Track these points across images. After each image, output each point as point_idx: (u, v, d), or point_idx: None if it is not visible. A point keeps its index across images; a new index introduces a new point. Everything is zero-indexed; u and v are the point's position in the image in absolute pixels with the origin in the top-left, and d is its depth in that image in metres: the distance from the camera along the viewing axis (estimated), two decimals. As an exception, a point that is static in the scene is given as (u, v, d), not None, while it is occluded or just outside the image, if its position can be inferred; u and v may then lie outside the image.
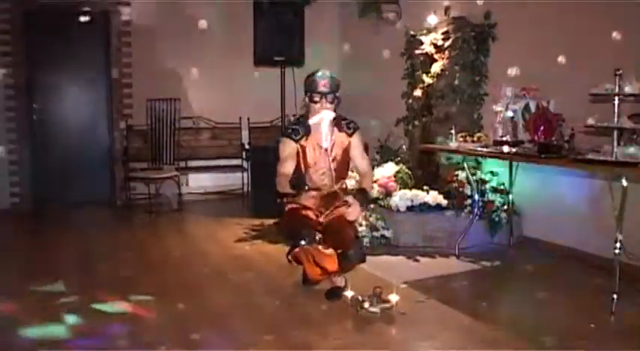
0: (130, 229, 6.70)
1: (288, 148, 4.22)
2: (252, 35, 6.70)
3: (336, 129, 4.27)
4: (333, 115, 4.18)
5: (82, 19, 7.47)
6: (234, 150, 8.08)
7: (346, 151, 4.30)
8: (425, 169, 6.48)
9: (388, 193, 5.85)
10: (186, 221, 6.99)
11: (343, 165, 4.34)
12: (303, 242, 4.01)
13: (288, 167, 4.16)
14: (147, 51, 7.62)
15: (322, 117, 4.14)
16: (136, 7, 7.73)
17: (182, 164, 7.73)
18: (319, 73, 4.23)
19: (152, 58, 7.56)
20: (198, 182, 7.88)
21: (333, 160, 4.25)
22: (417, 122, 6.70)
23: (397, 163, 6.36)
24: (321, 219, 4.22)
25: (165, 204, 7.36)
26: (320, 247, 4.16)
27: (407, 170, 6.26)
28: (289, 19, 6.72)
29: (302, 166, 4.20)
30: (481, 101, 6.14)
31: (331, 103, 4.20)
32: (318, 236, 4.20)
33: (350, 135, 4.32)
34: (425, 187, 5.93)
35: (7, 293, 4.32)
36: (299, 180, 4.07)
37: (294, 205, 4.26)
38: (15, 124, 7.38)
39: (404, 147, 6.89)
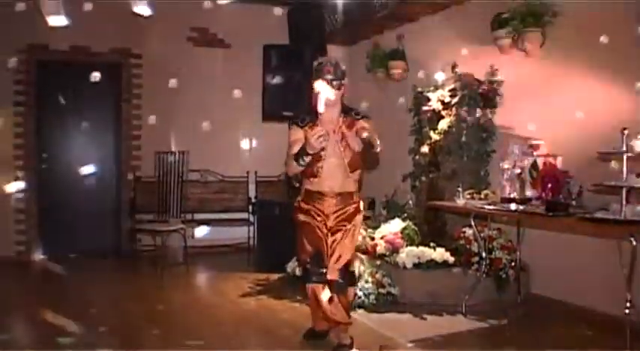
0: (136, 280, 6.66)
1: (294, 133, 4.23)
2: (261, 90, 6.80)
3: (342, 118, 4.25)
4: (332, 92, 4.12)
5: (94, 76, 7.58)
6: (241, 203, 8.10)
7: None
8: (432, 225, 6.46)
9: (395, 250, 5.81)
10: (192, 274, 6.96)
11: (355, 155, 4.16)
12: (314, 278, 4.07)
13: (295, 150, 4.10)
14: (156, 103, 7.71)
15: (319, 91, 4.11)
16: (147, 60, 7.89)
17: (189, 216, 7.74)
18: (324, 61, 4.32)
19: (161, 111, 7.63)
20: (205, 235, 7.85)
21: (344, 150, 4.13)
22: (423, 178, 6.71)
23: (404, 220, 6.35)
24: (329, 223, 4.16)
25: (171, 256, 7.32)
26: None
27: (414, 227, 6.24)
28: (298, 76, 6.83)
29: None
30: (488, 158, 6.15)
31: (338, 89, 4.18)
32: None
33: (358, 121, 4.21)
34: (432, 244, 5.89)
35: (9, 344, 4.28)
36: (297, 177, 4.22)
37: (306, 219, 4.22)
38: (23, 172, 7.42)
39: (410, 202, 6.89)
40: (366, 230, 6.25)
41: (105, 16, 7.44)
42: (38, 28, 7.18)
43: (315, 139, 3.87)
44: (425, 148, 6.67)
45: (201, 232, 7.71)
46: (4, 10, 7.10)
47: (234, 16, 8.01)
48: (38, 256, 7.43)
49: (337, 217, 4.18)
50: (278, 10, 7.93)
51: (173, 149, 7.40)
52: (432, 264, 5.64)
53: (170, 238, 7.31)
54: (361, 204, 4.35)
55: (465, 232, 5.75)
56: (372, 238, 6.16)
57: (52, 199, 7.62)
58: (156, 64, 7.85)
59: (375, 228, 6.42)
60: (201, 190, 8.01)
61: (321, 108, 4.09)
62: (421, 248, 5.75)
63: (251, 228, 7.81)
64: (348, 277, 4.21)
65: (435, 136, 6.53)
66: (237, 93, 7.29)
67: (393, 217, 6.53)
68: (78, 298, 5.78)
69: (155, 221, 7.23)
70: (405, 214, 6.52)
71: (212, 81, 7.99)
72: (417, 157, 6.82)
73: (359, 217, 4.30)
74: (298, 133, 4.20)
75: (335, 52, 8.25)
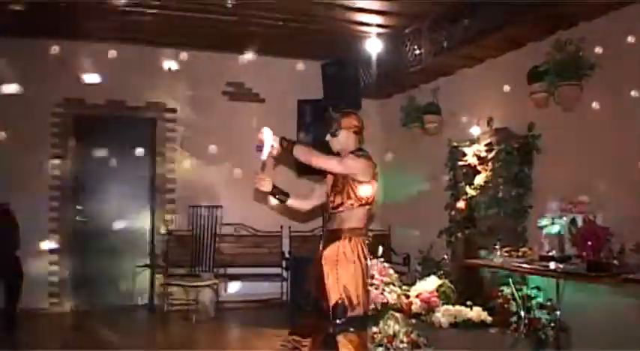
0: (167, 336, 6.60)
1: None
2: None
3: None
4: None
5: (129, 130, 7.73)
6: (275, 258, 7.99)
7: (345, 177, 3.89)
8: (468, 283, 6.27)
9: (431, 309, 5.64)
10: (224, 330, 6.83)
11: (339, 192, 3.91)
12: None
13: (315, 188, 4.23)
14: (191, 157, 7.75)
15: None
16: (182, 114, 7.98)
17: (221, 271, 7.67)
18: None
19: (195, 164, 7.68)
20: (237, 290, 7.77)
21: (331, 189, 3.99)
22: (459, 234, 6.57)
23: (440, 277, 6.19)
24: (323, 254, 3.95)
25: (203, 311, 7.22)
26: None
27: (450, 284, 6.07)
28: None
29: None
30: (525, 214, 5.98)
31: (334, 136, 4.04)
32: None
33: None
34: (468, 303, 5.72)
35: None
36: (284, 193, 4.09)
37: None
38: (57, 224, 7.51)
39: (446, 259, 6.73)
40: (400, 287, 6.09)
41: (140, 71, 7.62)
42: (74, 82, 7.41)
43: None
44: (461, 204, 6.55)
45: (233, 287, 7.63)
46: (41, 64, 7.32)
47: (270, 70, 8.18)
48: (70, 308, 7.44)
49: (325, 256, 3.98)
50: (313, 65, 8.03)
51: (206, 203, 7.40)
52: (469, 323, 5.45)
53: (202, 293, 7.23)
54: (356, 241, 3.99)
55: (502, 291, 5.56)
56: (407, 296, 6.00)
57: (86, 251, 7.66)
58: (191, 118, 7.95)
59: (410, 285, 6.27)
60: (235, 245, 7.95)
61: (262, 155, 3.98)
62: (457, 307, 5.58)
63: (284, 283, 7.69)
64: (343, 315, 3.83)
65: (470, 192, 6.41)
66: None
67: (428, 274, 6.39)
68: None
69: (187, 275, 7.19)
70: (442, 271, 6.35)
71: (246, 135, 7.97)
72: (453, 212, 6.69)
73: (342, 254, 3.90)
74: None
75: (370, 105, 8.27)
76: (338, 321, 3.75)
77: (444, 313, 5.51)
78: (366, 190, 3.86)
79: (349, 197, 3.85)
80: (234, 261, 7.89)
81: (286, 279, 7.65)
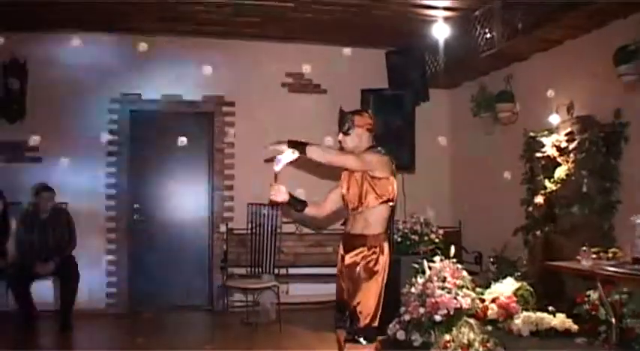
0: (226, 339, 6.23)
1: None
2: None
3: None
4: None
5: (186, 125, 7.48)
6: (338, 257, 7.57)
7: (362, 175, 3.78)
8: (548, 286, 5.74)
9: (509, 315, 5.16)
10: (285, 334, 6.46)
11: (358, 190, 3.80)
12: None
13: (327, 196, 4.09)
14: (249, 152, 7.43)
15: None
16: (240, 107, 7.68)
17: (283, 271, 7.31)
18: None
19: (254, 160, 7.31)
20: (300, 291, 7.42)
21: (348, 186, 3.87)
22: (538, 232, 6.04)
23: (517, 279, 5.69)
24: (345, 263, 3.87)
25: (263, 313, 6.90)
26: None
27: (528, 287, 5.58)
28: (398, 121, 6.38)
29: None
30: (613, 210, 5.42)
31: (346, 135, 3.95)
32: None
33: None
34: (550, 308, 5.21)
35: None
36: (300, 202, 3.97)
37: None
38: (115, 223, 7.34)
39: (522, 259, 6.22)
40: (473, 290, 5.63)
41: (195, 64, 7.39)
42: (131, 77, 7.20)
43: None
44: (539, 199, 6.02)
45: (295, 288, 7.29)
46: (97, 59, 7.15)
47: (330, 60, 7.78)
48: (128, 308, 7.27)
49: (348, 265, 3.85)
50: (376, 53, 7.61)
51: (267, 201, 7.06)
52: (551, 332, 4.95)
53: (263, 295, 6.91)
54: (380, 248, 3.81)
55: (589, 296, 5.02)
56: (482, 300, 5.54)
57: (144, 250, 7.47)
58: (250, 112, 7.64)
59: (484, 287, 5.80)
60: (296, 244, 7.60)
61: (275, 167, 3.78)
62: (539, 314, 5.08)
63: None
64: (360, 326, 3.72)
65: (550, 186, 5.88)
66: (333, 140, 6.92)
67: (503, 276, 5.91)
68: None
69: (247, 276, 6.89)
70: (519, 273, 5.85)
71: (307, 128, 7.63)
72: (531, 208, 6.17)
73: (367, 267, 3.75)
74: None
75: (437, 95, 7.81)
76: (355, 329, 3.69)
77: (524, 320, 5.02)
78: (386, 186, 3.77)
79: (368, 195, 3.75)
80: (296, 261, 7.56)
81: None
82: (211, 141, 7.68)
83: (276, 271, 6.88)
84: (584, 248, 4.75)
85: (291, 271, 7.48)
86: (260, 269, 6.85)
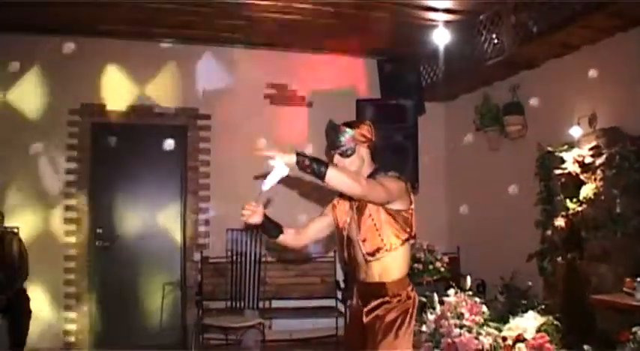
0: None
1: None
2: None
3: None
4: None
5: (157, 140, 6.68)
6: (328, 288, 6.78)
7: (376, 209, 3.08)
8: (574, 320, 5.04)
9: (542, 357, 4.44)
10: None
11: (375, 229, 3.08)
12: None
13: (309, 223, 3.42)
14: (227, 171, 6.67)
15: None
16: (217, 121, 6.90)
17: (265, 304, 6.50)
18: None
19: (233, 180, 6.54)
20: (284, 326, 6.60)
21: (359, 225, 3.13)
22: (559, 259, 5.36)
23: (540, 313, 4.99)
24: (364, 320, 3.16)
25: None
26: None
27: (555, 321, 4.87)
28: (399, 135, 5.69)
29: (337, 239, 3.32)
30: (647, 234, 4.80)
31: (347, 157, 3.21)
32: None
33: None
34: (586, 348, 4.50)
35: None
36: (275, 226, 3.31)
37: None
38: (75, 250, 6.46)
39: (535, 288, 5.53)
40: (488, 325, 4.90)
41: (168, 72, 6.61)
42: (94, 86, 6.39)
43: (355, 251, 3.20)
44: (560, 221, 5.36)
45: (280, 323, 6.47)
46: (56, 66, 6.34)
47: (317, 69, 7.05)
48: (90, 349, 6.35)
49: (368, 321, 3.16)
50: (368, 62, 6.94)
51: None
52: (592, 377, 4.25)
53: (246, 335, 6.09)
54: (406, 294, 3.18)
55: (635, 333, 4.33)
56: (504, 339, 4.80)
57: (107, 281, 6.60)
58: (227, 126, 6.86)
59: (499, 321, 5.07)
60: (280, 274, 6.74)
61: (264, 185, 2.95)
62: (577, 355, 4.37)
63: (340, 318, 6.51)
64: None
65: (573, 206, 5.22)
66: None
67: (516, 308, 5.21)
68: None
69: (227, 311, 6.07)
70: (542, 306, 5.14)
71: (292, 144, 6.90)
72: (549, 231, 5.49)
73: (393, 322, 3.09)
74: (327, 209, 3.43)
75: (433, 108, 7.13)
76: None
77: (560, 364, 4.30)
78: (408, 221, 3.12)
79: (388, 234, 3.07)
80: (280, 292, 6.69)
81: (342, 313, 6.45)
82: (184, 158, 6.86)
83: (260, 304, 6.05)
84: (629, 279, 4.10)
85: (275, 304, 6.65)
86: (242, 303, 6.03)
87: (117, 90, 6.58)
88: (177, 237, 6.87)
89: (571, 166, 5.32)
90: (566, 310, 5.11)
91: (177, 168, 6.91)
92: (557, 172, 5.45)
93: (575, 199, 5.23)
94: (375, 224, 3.06)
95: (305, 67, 7.06)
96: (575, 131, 5.36)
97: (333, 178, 2.81)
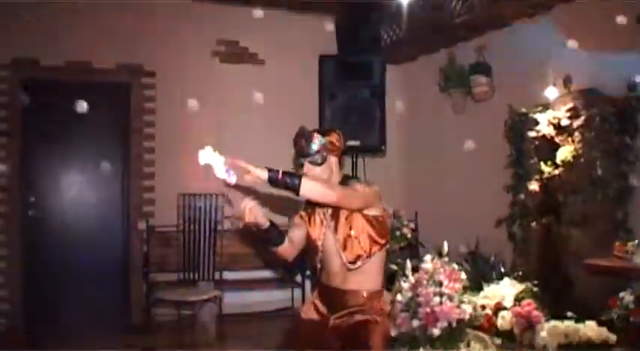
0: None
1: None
2: (314, 114, 5.33)
3: None
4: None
5: (97, 99, 6.09)
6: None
7: (351, 215, 3.05)
8: (549, 285, 4.86)
9: (531, 325, 4.21)
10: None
11: (355, 237, 3.04)
12: None
13: (293, 234, 3.20)
14: (174, 133, 6.18)
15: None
16: (162, 79, 6.37)
17: (216, 276, 6.06)
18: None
19: (184, 143, 6.06)
20: (238, 299, 6.21)
21: (335, 233, 3.08)
22: (534, 224, 5.18)
23: (518, 280, 4.80)
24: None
25: (201, 331, 5.62)
26: None
27: (533, 287, 4.68)
28: (364, 93, 5.34)
29: (310, 248, 3.19)
30: (629, 197, 4.65)
31: (319, 165, 3.12)
32: None
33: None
34: (569, 314, 4.32)
35: None
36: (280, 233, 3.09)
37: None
38: (4, 221, 5.88)
39: (505, 257, 5.38)
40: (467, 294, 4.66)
41: (111, 26, 5.97)
42: (27, 39, 5.75)
43: (330, 261, 3.14)
44: (534, 185, 5.17)
45: (234, 296, 6.06)
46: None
47: (269, 26, 6.60)
48: (23, 329, 5.78)
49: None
50: (324, 19, 6.58)
51: (198, 191, 5.80)
52: (583, 346, 4.05)
53: (202, 309, 5.65)
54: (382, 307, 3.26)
55: (623, 299, 4.17)
56: (483, 307, 4.58)
57: (42, 254, 6.01)
58: (173, 85, 6.35)
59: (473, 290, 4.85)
60: (233, 243, 6.25)
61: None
62: (567, 323, 4.17)
63: (298, 290, 6.17)
64: None
65: (548, 170, 5.04)
66: (283, 121, 5.79)
67: (482, 275, 5.04)
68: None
69: (178, 284, 5.62)
70: (519, 273, 4.95)
71: (243, 105, 6.46)
72: (522, 196, 5.31)
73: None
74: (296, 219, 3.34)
75: (395, 70, 6.81)
76: None
77: (550, 332, 4.08)
78: (384, 226, 3.13)
79: (369, 240, 3.04)
80: (232, 264, 6.18)
81: (300, 284, 6.12)
82: (126, 119, 6.33)
83: (215, 276, 5.62)
84: (634, 243, 4.02)
85: (227, 275, 6.19)
86: (195, 275, 5.59)
87: (52, 43, 5.94)
88: (119, 205, 6.35)
89: (545, 129, 5.13)
90: (541, 277, 4.93)
91: (119, 130, 6.37)
92: (531, 134, 5.25)
93: (549, 163, 5.05)
94: (352, 231, 3.01)
95: (257, 23, 6.56)
96: (551, 92, 5.15)
97: (308, 189, 2.76)
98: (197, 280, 5.62)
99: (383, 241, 3.07)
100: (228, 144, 6.20)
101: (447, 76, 6.16)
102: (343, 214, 3.01)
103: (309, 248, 3.17)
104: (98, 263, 6.18)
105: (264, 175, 2.64)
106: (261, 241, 3.19)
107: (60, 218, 6.17)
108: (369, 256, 3.01)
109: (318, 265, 3.18)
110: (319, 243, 3.12)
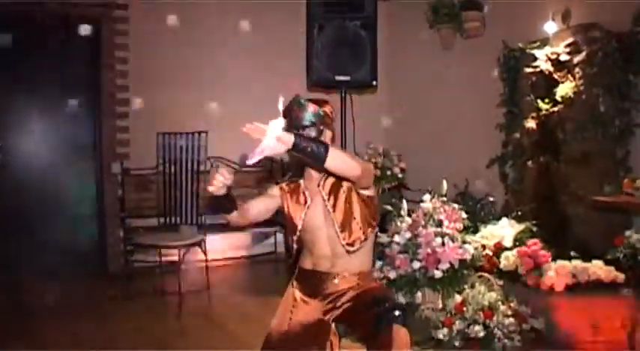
0: (136, 320, 4.63)
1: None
2: (302, 49, 5.02)
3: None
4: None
5: (63, 34, 5.67)
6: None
7: (350, 194, 2.74)
8: (547, 225, 4.75)
9: (537, 266, 4.10)
10: (219, 307, 5.02)
11: (353, 217, 2.74)
12: None
13: (252, 203, 2.80)
14: (150, 70, 5.82)
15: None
16: (137, 12, 5.95)
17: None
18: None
19: (159, 80, 5.71)
20: (218, 244, 5.97)
21: (333, 211, 2.74)
22: (530, 163, 5.04)
23: (517, 220, 4.68)
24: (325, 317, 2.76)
25: (185, 278, 5.38)
26: None
27: (533, 227, 4.56)
28: (354, 26, 5.04)
29: (287, 226, 2.85)
30: (631, 135, 4.55)
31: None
32: None
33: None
34: (572, 253, 4.22)
35: None
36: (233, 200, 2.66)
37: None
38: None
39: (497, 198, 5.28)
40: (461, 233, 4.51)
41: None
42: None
43: (317, 240, 2.80)
44: (531, 123, 5.01)
45: (216, 242, 5.82)
46: None
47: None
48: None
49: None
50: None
51: (178, 130, 5.47)
52: (591, 285, 3.96)
53: (186, 255, 5.39)
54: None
55: (629, 238, 4.07)
56: (483, 247, 4.46)
57: (9, 200, 5.66)
58: (148, 18, 5.95)
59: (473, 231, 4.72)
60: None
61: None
62: (575, 262, 4.06)
63: (279, 235, 5.97)
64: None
65: (546, 107, 4.88)
66: (269, 55, 5.47)
67: (498, 218, 4.89)
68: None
69: (158, 229, 5.35)
70: (518, 213, 4.82)
71: (232, 40, 6.10)
72: (518, 135, 5.15)
73: None
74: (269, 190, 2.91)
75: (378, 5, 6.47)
76: None
77: (559, 271, 3.98)
78: (376, 205, 2.85)
79: (364, 222, 2.75)
80: (211, 206, 6.01)
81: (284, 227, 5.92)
82: (97, 55, 5.92)
83: (198, 220, 5.36)
84: (627, 180, 4.01)
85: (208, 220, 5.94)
86: (177, 219, 5.32)
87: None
88: (91, 147, 6.01)
89: (544, 65, 4.95)
90: (537, 217, 4.82)
91: (90, 67, 5.99)
92: (528, 70, 5.07)
93: (547, 100, 4.89)
94: (352, 211, 2.73)
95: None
96: (550, 27, 4.97)
97: (335, 159, 2.39)
98: (179, 224, 5.34)
99: (375, 223, 2.82)
100: (207, 83, 6.03)
101: (435, 11, 5.91)
102: (343, 193, 2.73)
103: (287, 226, 2.88)
104: (71, 208, 5.92)
105: (291, 139, 2.25)
106: (210, 207, 2.88)
107: (28, 162, 5.83)
108: (367, 238, 2.76)
109: (295, 246, 2.88)
110: (299, 222, 2.79)
